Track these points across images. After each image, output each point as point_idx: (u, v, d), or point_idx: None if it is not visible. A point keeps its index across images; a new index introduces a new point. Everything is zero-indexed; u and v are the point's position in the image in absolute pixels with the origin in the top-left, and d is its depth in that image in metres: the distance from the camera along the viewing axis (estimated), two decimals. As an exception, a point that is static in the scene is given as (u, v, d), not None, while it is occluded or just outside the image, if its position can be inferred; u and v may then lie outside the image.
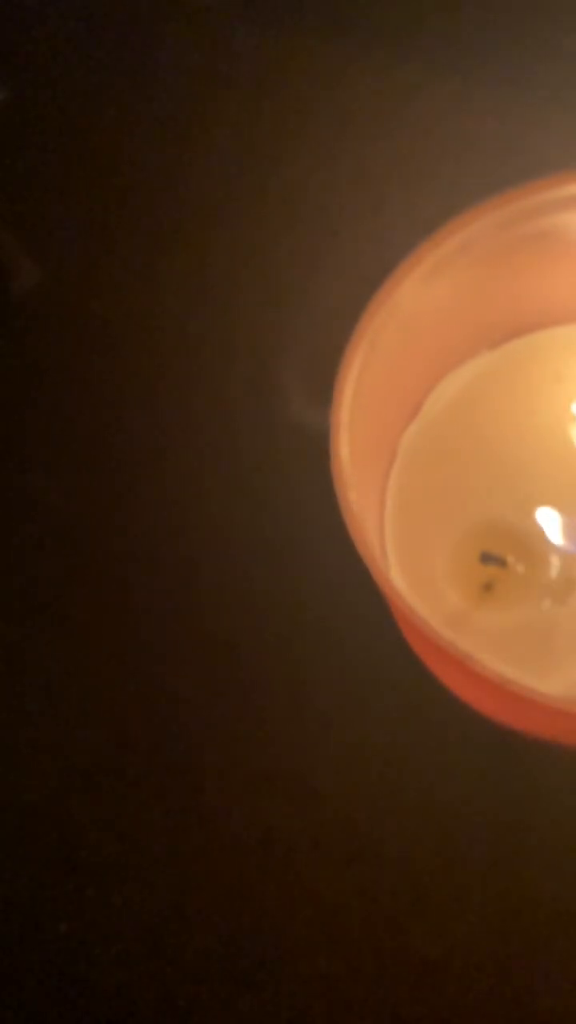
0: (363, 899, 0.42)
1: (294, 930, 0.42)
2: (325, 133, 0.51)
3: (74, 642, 0.46)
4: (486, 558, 0.40)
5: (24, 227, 0.52)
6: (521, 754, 0.41)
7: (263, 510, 0.46)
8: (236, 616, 0.45)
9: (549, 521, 0.40)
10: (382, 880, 0.42)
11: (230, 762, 0.44)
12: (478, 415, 0.42)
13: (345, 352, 0.36)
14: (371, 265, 0.38)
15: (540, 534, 0.40)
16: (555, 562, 0.40)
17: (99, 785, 0.44)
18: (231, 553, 0.46)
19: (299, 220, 0.50)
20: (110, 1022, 0.42)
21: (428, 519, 0.41)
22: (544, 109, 0.49)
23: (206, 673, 0.45)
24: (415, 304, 0.38)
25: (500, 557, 0.40)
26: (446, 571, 0.41)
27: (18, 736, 0.45)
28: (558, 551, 0.40)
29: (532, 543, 0.40)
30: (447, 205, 0.38)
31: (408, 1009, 0.41)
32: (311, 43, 0.53)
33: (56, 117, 0.54)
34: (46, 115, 0.54)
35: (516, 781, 0.42)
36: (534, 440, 0.42)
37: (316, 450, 0.36)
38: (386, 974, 0.41)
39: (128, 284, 0.51)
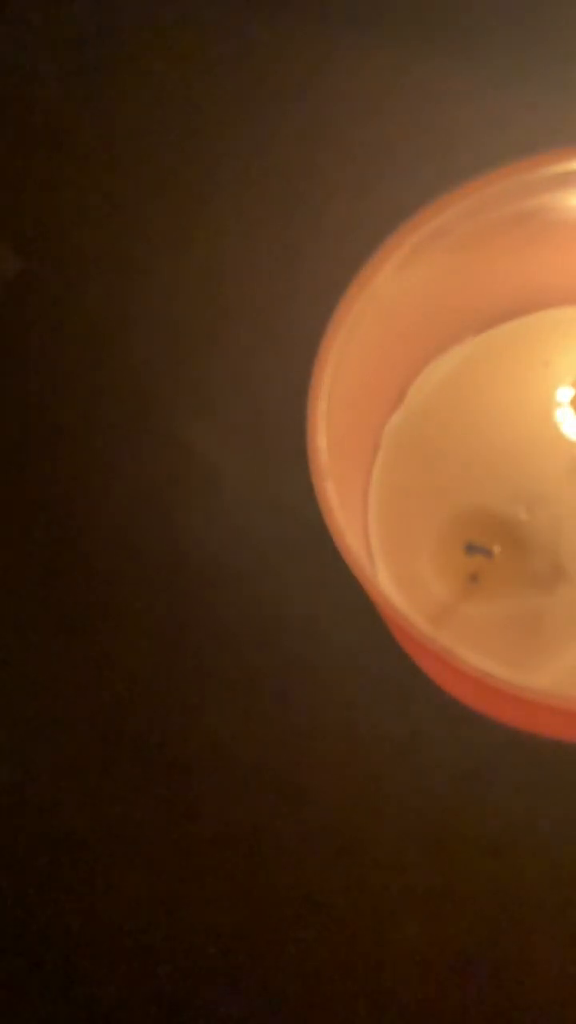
0: (353, 894, 0.42)
1: (284, 926, 0.42)
2: (308, 118, 0.51)
3: (59, 639, 0.46)
4: (472, 548, 0.39)
5: (5, 217, 0.51)
6: (511, 747, 0.41)
7: (247, 503, 0.46)
8: (222, 611, 0.45)
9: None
10: (372, 875, 0.42)
11: (217, 758, 0.44)
12: (463, 402, 0.42)
13: (322, 341, 0.36)
14: (353, 251, 0.38)
15: (526, 523, 0.40)
16: (542, 551, 0.39)
17: (86, 783, 0.44)
18: (215, 549, 0.46)
19: (281, 207, 0.49)
20: (102, 1019, 0.42)
21: (413, 509, 0.41)
22: (526, 90, 0.48)
23: (192, 669, 0.45)
24: (394, 291, 0.37)
25: (486, 547, 0.39)
26: (431, 562, 0.40)
27: (6, 734, 0.45)
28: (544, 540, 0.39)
29: (518, 532, 0.40)
30: (431, 188, 0.38)
31: (401, 1005, 0.41)
32: (295, 26, 0.52)
33: (37, 106, 0.53)
34: (27, 104, 0.53)
35: (506, 774, 0.42)
36: (520, 427, 0.41)
37: (299, 441, 0.36)
38: (378, 970, 0.41)
39: (110, 274, 0.50)
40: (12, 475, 0.48)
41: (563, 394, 0.41)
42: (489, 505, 0.40)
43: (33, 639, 0.46)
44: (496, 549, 0.39)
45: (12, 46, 0.54)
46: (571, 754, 0.41)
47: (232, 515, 0.46)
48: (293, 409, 0.37)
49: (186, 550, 0.46)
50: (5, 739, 0.45)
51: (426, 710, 0.42)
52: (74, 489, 0.48)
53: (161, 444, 0.48)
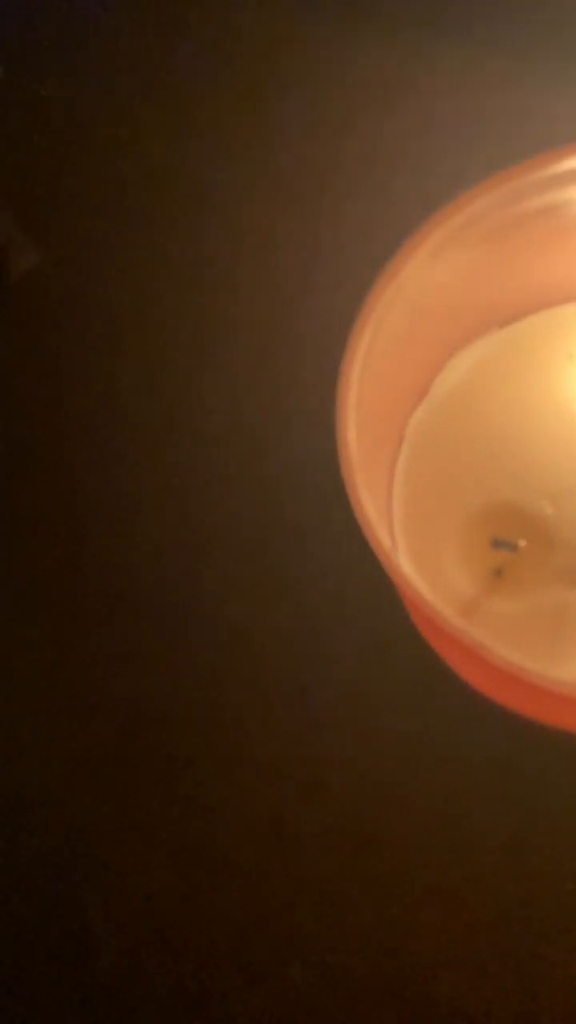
0: (372, 888, 0.42)
1: (303, 920, 0.42)
2: (329, 109, 0.50)
3: (75, 633, 0.46)
4: (497, 543, 0.39)
5: (23, 208, 0.51)
6: (533, 741, 0.41)
7: (270, 495, 0.46)
8: (243, 604, 0.45)
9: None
10: (391, 870, 0.42)
11: (236, 751, 0.43)
12: (488, 396, 0.41)
13: (351, 334, 0.36)
14: (377, 244, 0.37)
15: (551, 517, 0.39)
16: (567, 546, 0.39)
17: (105, 776, 0.44)
18: (237, 540, 0.45)
19: (302, 198, 0.49)
20: (119, 1013, 0.42)
21: (437, 503, 0.40)
22: (552, 80, 0.48)
23: (212, 662, 0.44)
24: (421, 283, 0.37)
25: (511, 542, 0.39)
26: (456, 556, 0.40)
27: (24, 728, 0.45)
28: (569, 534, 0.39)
29: (543, 527, 0.39)
30: (455, 181, 0.37)
31: (418, 1000, 0.41)
32: (314, 17, 0.52)
33: (56, 98, 0.53)
34: (45, 96, 0.53)
35: (528, 768, 0.41)
36: (546, 421, 0.41)
37: (324, 434, 0.36)
38: (396, 964, 0.41)
39: (127, 266, 0.50)
40: (29, 468, 0.48)
41: (588, 388, 0.41)
42: (514, 499, 0.40)
43: (49, 633, 0.46)
44: (521, 543, 0.39)
45: (20, 46, 0.54)
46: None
47: (253, 507, 0.46)
48: (318, 402, 0.37)
49: (205, 544, 0.46)
50: (23, 732, 0.45)
51: (447, 704, 0.41)
52: (91, 482, 0.47)
53: (181, 438, 0.47)
